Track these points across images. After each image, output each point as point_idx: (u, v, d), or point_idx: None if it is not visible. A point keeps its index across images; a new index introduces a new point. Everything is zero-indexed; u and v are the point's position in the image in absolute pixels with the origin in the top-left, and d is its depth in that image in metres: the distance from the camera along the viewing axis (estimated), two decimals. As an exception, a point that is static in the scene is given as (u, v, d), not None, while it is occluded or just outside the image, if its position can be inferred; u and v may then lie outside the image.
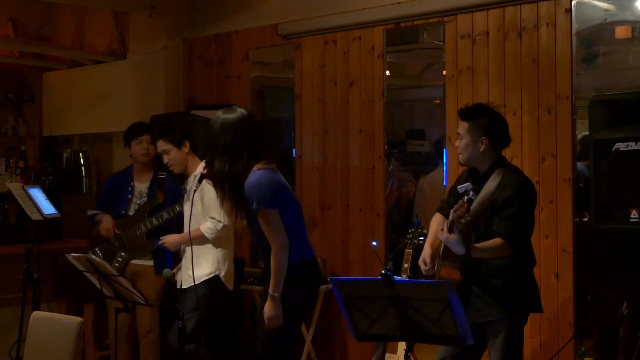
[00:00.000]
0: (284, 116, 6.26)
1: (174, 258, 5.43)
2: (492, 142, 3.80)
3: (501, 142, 3.86)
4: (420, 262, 3.85)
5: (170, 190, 5.33)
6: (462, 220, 3.60)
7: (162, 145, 4.99)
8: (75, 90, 7.47)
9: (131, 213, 5.38)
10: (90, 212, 5.54)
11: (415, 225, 4.71)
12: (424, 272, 3.84)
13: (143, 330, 5.38)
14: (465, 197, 3.55)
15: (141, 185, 5.44)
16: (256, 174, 3.84)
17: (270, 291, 3.83)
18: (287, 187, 3.99)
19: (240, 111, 3.93)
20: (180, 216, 5.16)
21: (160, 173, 5.41)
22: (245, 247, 6.08)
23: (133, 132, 5.44)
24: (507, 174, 3.77)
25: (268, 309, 3.83)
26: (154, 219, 5.22)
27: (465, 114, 3.86)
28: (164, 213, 5.20)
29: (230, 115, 3.89)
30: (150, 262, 5.33)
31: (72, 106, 7.49)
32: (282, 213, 3.86)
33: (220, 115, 3.92)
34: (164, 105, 6.64)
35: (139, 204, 5.38)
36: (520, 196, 3.71)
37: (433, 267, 3.78)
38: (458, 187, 3.70)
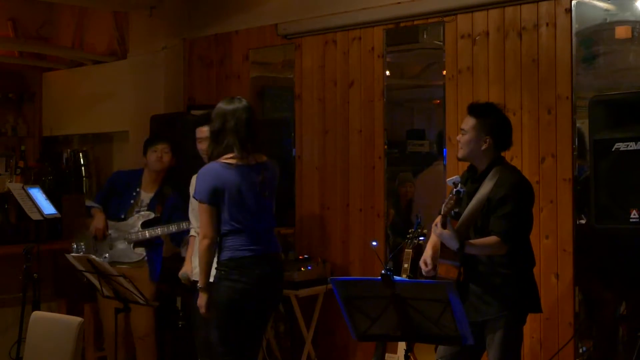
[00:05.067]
0: (284, 116, 6.25)
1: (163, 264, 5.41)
2: (494, 143, 3.81)
3: (503, 145, 3.87)
4: (421, 262, 3.85)
5: (171, 207, 5.31)
6: (452, 213, 3.61)
7: (205, 132, 4.62)
8: (75, 90, 7.48)
9: (129, 220, 5.34)
10: (88, 204, 5.53)
11: (416, 225, 4.70)
12: (424, 274, 3.84)
13: (139, 333, 5.33)
14: (454, 189, 3.57)
15: (146, 195, 5.38)
16: (209, 165, 3.95)
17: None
18: (234, 187, 3.93)
19: (238, 101, 4.02)
20: (173, 236, 5.21)
21: (166, 187, 5.41)
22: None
23: (150, 140, 5.48)
24: (504, 173, 3.77)
25: (198, 298, 4.03)
26: (146, 232, 5.21)
27: (475, 110, 3.86)
28: (158, 229, 5.19)
29: (226, 105, 4.01)
30: (145, 268, 5.29)
31: (72, 106, 7.49)
32: (222, 210, 3.93)
33: (219, 103, 4.05)
34: (164, 105, 6.64)
35: (138, 211, 5.33)
36: (515, 194, 3.71)
37: (434, 268, 3.78)
38: (447, 179, 3.71)
